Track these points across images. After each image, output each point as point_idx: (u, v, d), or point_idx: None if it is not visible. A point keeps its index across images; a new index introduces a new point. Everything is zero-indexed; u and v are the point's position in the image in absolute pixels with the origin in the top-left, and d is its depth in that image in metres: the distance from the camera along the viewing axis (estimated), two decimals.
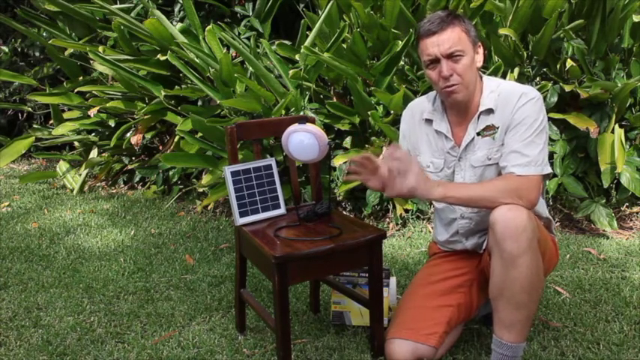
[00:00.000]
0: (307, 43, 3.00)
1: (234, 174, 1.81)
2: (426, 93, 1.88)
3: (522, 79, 2.98)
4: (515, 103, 1.64)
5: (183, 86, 3.53)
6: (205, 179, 3.25)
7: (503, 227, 1.50)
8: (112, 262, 2.65)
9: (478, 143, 1.70)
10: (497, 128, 1.67)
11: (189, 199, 3.63)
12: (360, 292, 1.96)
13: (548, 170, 1.63)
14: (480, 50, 1.69)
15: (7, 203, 3.68)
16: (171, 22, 3.51)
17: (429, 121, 1.79)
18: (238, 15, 3.74)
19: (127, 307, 2.19)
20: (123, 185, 4.07)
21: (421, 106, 1.83)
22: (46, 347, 1.90)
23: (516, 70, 2.91)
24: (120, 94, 3.76)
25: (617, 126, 2.81)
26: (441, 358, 1.75)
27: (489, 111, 1.68)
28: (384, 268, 1.83)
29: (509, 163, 1.61)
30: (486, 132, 1.69)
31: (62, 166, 4.08)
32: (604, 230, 2.87)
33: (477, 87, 1.70)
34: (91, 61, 3.75)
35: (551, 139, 2.90)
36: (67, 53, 4.00)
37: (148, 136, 3.78)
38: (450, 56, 1.61)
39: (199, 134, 3.18)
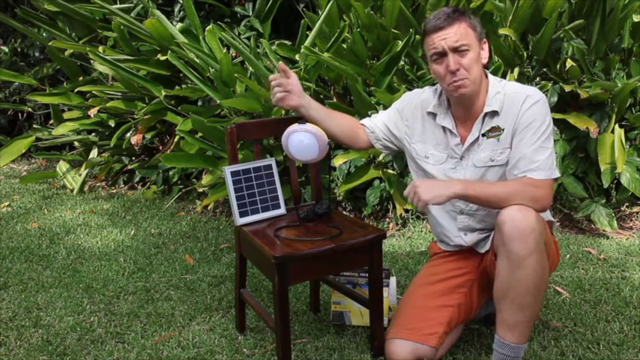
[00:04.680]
0: (307, 43, 3.00)
1: (234, 174, 1.81)
2: None
3: (522, 79, 2.98)
4: (520, 106, 1.64)
5: (183, 86, 3.53)
6: (205, 179, 3.25)
7: (511, 228, 1.50)
8: (112, 262, 2.65)
9: (483, 144, 1.70)
10: (503, 130, 1.66)
11: (189, 199, 3.63)
12: (360, 292, 1.96)
13: (557, 174, 1.63)
14: (485, 46, 1.68)
15: (7, 203, 3.68)
16: (171, 22, 3.51)
17: (432, 115, 1.79)
18: (238, 15, 3.74)
19: (127, 307, 2.19)
20: (123, 185, 4.07)
21: (427, 97, 1.82)
22: (46, 347, 1.90)
23: (516, 70, 2.91)
24: (120, 94, 3.76)
25: (617, 126, 2.81)
26: (441, 358, 1.75)
27: (494, 113, 1.68)
28: (384, 268, 1.83)
29: (520, 170, 1.61)
30: (491, 133, 1.68)
31: (62, 166, 4.08)
32: (604, 230, 2.86)
33: (483, 84, 1.69)
34: (91, 61, 3.75)
35: None
36: (67, 53, 4.00)
37: (148, 136, 3.78)
38: (457, 50, 1.61)
39: (199, 134, 3.18)
